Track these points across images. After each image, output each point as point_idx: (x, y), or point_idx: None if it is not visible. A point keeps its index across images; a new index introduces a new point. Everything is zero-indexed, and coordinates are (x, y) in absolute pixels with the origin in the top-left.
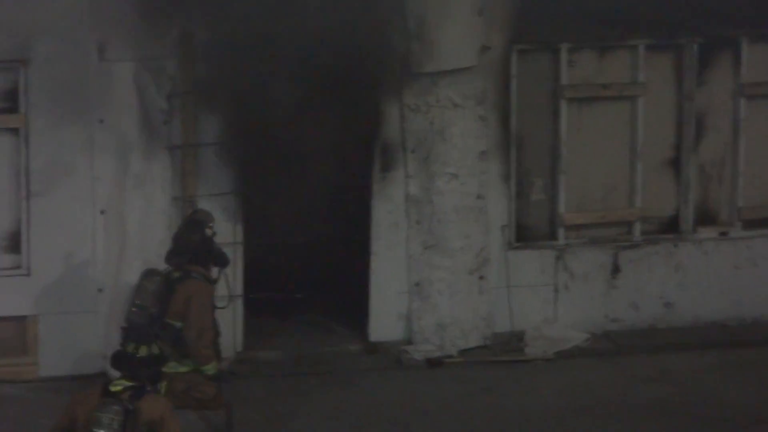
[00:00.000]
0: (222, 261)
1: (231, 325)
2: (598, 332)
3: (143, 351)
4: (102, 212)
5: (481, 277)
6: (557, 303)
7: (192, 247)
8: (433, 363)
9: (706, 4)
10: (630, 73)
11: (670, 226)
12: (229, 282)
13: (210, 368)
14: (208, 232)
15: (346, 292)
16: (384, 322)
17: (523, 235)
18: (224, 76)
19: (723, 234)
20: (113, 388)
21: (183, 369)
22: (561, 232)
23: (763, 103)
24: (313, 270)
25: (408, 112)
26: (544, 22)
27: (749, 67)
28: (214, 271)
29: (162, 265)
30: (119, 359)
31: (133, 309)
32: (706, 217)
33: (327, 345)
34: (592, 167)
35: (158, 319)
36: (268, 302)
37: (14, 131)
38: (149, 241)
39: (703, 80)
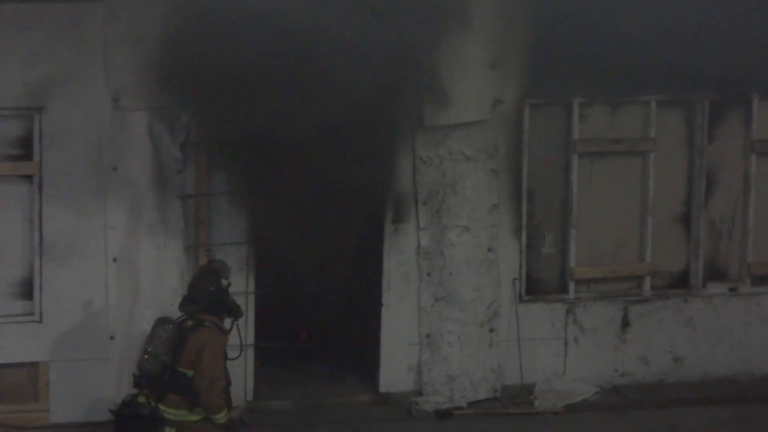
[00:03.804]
0: (236, 312)
1: (242, 373)
2: (607, 386)
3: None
4: (114, 260)
5: (491, 330)
6: (567, 356)
7: (207, 297)
8: (443, 415)
9: (717, 62)
10: (642, 129)
11: (680, 281)
12: (241, 332)
13: (221, 417)
14: (224, 282)
15: (357, 342)
16: (394, 372)
17: (533, 288)
18: (238, 125)
19: (732, 290)
20: None
21: (194, 417)
22: (571, 285)
23: None
24: (324, 320)
25: (420, 164)
26: (556, 77)
27: (760, 124)
28: (227, 322)
29: (174, 314)
30: None
31: (146, 356)
32: (715, 273)
33: (337, 395)
34: (603, 221)
35: (170, 368)
36: (278, 352)
37: (28, 178)
38: (161, 290)
39: (714, 136)
